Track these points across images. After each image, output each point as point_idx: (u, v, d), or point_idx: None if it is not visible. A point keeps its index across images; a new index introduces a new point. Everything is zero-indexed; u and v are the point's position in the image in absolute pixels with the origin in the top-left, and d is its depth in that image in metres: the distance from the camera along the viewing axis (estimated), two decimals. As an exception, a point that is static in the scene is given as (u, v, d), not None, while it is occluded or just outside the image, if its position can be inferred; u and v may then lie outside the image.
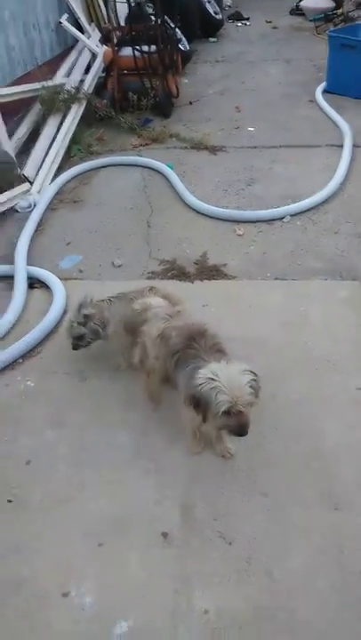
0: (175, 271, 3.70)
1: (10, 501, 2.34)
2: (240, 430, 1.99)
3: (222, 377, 1.95)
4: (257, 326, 3.15)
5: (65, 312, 3.30)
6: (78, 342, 2.82)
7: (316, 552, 2.11)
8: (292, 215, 4.17)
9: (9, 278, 3.60)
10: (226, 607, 1.97)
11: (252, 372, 2.02)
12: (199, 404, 1.99)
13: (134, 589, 2.04)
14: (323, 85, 6.43)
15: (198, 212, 4.27)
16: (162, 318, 2.40)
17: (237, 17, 10.16)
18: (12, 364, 2.99)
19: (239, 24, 9.95)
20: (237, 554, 2.12)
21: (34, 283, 3.58)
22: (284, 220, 4.14)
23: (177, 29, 6.37)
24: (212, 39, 8.83)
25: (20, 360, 3.03)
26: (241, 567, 2.08)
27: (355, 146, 5.06)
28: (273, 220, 4.14)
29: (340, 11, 8.85)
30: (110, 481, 2.40)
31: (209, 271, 3.68)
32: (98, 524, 2.24)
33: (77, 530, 2.23)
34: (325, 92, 6.37)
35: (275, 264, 3.70)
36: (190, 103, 6.28)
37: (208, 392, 1.94)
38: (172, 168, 4.79)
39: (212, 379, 1.95)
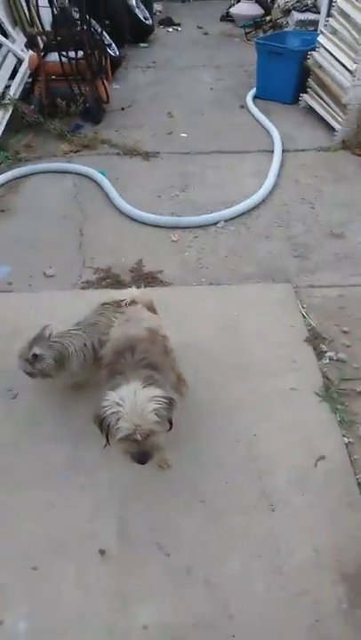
0: (110, 279, 3.65)
1: None
2: (139, 458, 1.93)
3: (127, 403, 1.87)
4: (193, 332, 3.16)
5: (-6, 327, 3.17)
6: (30, 376, 2.59)
7: (253, 555, 2.13)
8: (225, 220, 4.22)
9: None
10: (165, 621, 1.95)
11: (165, 398, 1.94)
12: (102, 426, 1.94)
13: (71, 611, 1.98)
14: (253, 91, 6.57)
15: (133, 219, 4.24)
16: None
17: (168, 22, 10.21)
18: None
19: (170, 29, 10.01)
20: (176, 565, 2.11)
21: None
22: (218, 225, 4.19)
23: (105, 34, 6.31)
24: (142, 44, 8.82)
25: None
26: (180, 578, 2.07)
27: (284, 151, 5.20)
28: (207, 225, 4.18)
29: (268, 18, 9.09)
30: (43, 500, 2.32)
31: (145, 278, 3.66)
32: (31, 547, 2.16)
33: (9, 554, 2.14)
34: (256, 97, 6.51)
35: (209, 269, 3.73)
36: (122, 109, 6.24)
37: (110, 417, 1.89)
38: (104, 175, 4.74)
39: (118, 403, 1.89)
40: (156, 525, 2.23)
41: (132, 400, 1.89)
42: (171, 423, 2.00)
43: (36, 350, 2.44)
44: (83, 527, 2.22)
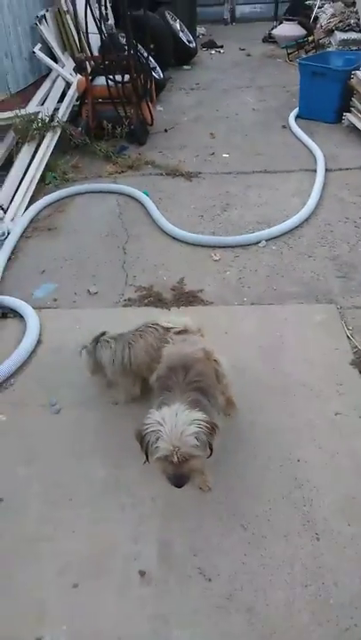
0: (152, 298, 3.68)
1: (-20, 543, 2.25)
2: (175, 481, 1.92)
3: (168, 423, 1.87)
4: (234, 353, 3.12)
5: (39, 342, 3.25)
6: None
7: (297, 585, 2.07)
8: (267, 240, 4.21)
9: (-18, 308, 3.55)
10: (205, 647, 1.90)
11: (206, 423, 1.92)
12: (142, 443, 1.94)
13: (110, 631, 1.96)
14: (295, 111, 6.59)
15: (174, 239, 4.29)
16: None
17: (211, 45, 10.42)
18: (-8, 392, 2.92)
19: (213, 52, 10.21)
20: (217, 590, 2.07)
21: (7, 312, 3.52)
22: (259, 244, 4.18)
23: (150, 58, 6.49)
24: (186, 67, 9.03)
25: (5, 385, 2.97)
26: (221, 604, 2.03)
27: (327, 170, 5.17)
28: (249, 244, 4.18)
29: (311, 38, 9.15)
30: (85, 518, 2.33)
31: (186, 297, 3.68)
32: (72, 564, 2.16)
33: (51, 570, 2.15)
34: (298, 117, 6.52)
35: (251, 289, 3.71)
36: (165, 130, 6.37)
37: (150, 435, 1.90)
38: (147, 195, 4.82)
39: (159, 422, 1.89)
40: (198, 549, 2.19)
41: (173, 421, 1.88)
42: (211, 449, 1.98)
43: (86, 346, 2.76)
44: (124, 547, 2.21)
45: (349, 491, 2.37)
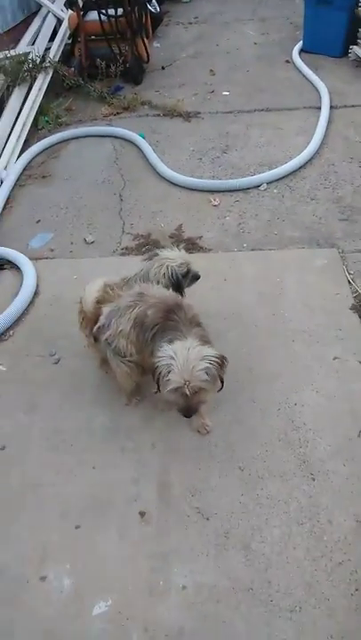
0: (150, 246, 3.61)
1: (-15, 488, 2.32)
2: (184, 412, 2.05)
3: (180, 358, 1.95)
4: (234, 299, 3.10)
5: (36, 293, 3.22)
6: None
7: (292, 523, 2.12)
8: (268, 183, 4.07)
9: (-23, 260, 3.51)
10: (204, 582, 1.98)
11: (216, 358, 2.00)
12: (154, 375, 2.03)
13: (112, 569, 2.04)
14: (299, 45, 6.21)
15: (172, 183, 4.16)
16: (129, 307, 2.28)
17: (211, -26, 9.72)
18: (-13, 346, 2.93)
19: (213, -18, 9.53)
20: (215, 529, 2.13)
21: (3, 264, 3.48)
22: (260, 188, 4.04)
23: (146, -11, 6.08)
24: (184, -1, 8.47)
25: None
26: (219, 542, 2.09)
27: (332, 107, 4.92)
28: (249, 188, 4.04)
29: None
30: (86, 462, 2.37)
31: (185, 244, 3.60)
32: (74, 507, 2.23)
33: (54, 513, 2.22)
34: (303, 51, 6.15)
35: (251, 234, 3.62)
36: (162, 68, 6.05)
37: (162, 368, 1.98)
38: (144, 137, 4.64)
39: (171, 357, 1.96)
40: (196, 489, 2.24)
41: (185, 356, 1.95)
42: (222, 382, 2.07)
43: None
44: (124, 489, 2.27)
45: (346, 432, 2.39)
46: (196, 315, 2.21)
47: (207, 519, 2.16)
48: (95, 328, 2.36)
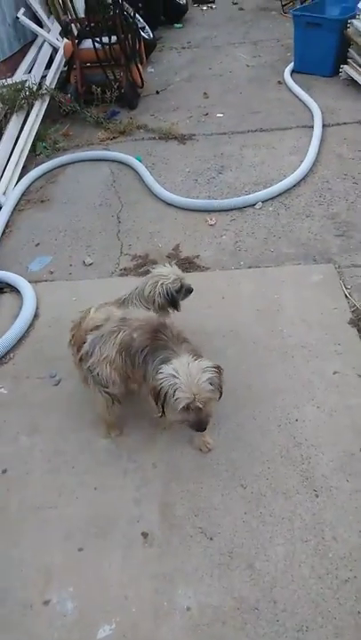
0: (148, 266, 3.64)
1: (-14, 512, 2.31)
2: (198, 426, 2.06)
3: (182, 374, 1.98)
4: (231, 317, 3.12)
5: (36, 315, 3.25)
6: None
7: (297, 540, 2.10)
8: (263, 201, 4.12)
9: (-22, 284, 3.54)
10: (209, 603, 1.96)
11: (214, 368, 2.05)
12: (159, 398, 2.03)
13: (116, 592, 2.02)
14: (291, 66, 6.35)
15: (169, 204, 4.22)
16: (113, 332, 2.29)
17: (203, 0, 9.99)
18: (-13, 370, 2.94)
19: (205, 7, 9.80)
20: (219, 548, 2.11)
21: (3, 287, 3.51)
22: (255, 206, 4.10)
23: (139, 17, 6.24)
24: (177, 25, 8.69)
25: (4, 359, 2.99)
26: (223, 561, 2.07)
27: (325, 125, 5.01)
28: (245, 207, 4.10)
29: (305, -12, 8.72)
30: (88, 484, 2.37)
31: (182, 264, 3.63)
32: (77, 529, 2.22)
33: (56, 536, 2.20)
34: (294, 72, 6.29)
35: (248, 252, 3.66)
36: (157, 92, 6.18)
37: (168, 388, 1.99)
38: (140, 160, 4.72)
39: (174, 375, 1.98)
40: (199, 509, 2.23)
41: (187, 371, 1.99)
42: (221, 391, 2.10)
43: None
44: (127, 510, 2.26)
45: (348, 447, 2.39)
46: (181, 331, 2.25)
47: (211, 539, 2.14)
48: (79, 355, 2.38)
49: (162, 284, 2.56)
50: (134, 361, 2.20)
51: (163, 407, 2.06)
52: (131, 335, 2.22)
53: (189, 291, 2.68)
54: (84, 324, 2.42)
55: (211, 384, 2.01)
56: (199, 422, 2.05)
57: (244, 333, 3.00)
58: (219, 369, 2.07)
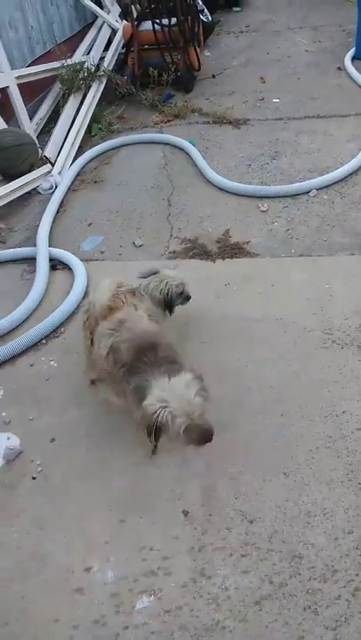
0: (197, 250, 3.64)
1: (34, 478, 2.39)
2: (206, 438, 1.99)
3: (172, 398, 1.94)
4: (280, 305, 3.09)
5: (86, 293, 3.31)
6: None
7: (339, 532, 2.08)
8: (318, 189, 4.03)
9: (32, 260, 3.63)
10: (246, 585, 1.97)
11: (195, 378, 2.02)
12: (153, 428, 1.97)
13: (155, 565, 2.05)
14: (352, 52, 6.14)
15: (221, 189, 4.19)
16: (107, 334, 2.31)
17: (263, -16, 9.76)
18: (35, 345, 3.02)
19: (264, -9, 9.57)
20: (259, 533, 2.11)
21: (56, 264, 3.59)
22: (310, 194, 4.01)
23: (199, 0, 6.17)
24: (235, 9, 8.53)
25: (44, 341, 3.06)
26: (262, 546, 2.07)
27: (385, 113, 4.84)
28: (298, 194, 4.02)
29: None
30: (132, 459, 2.41)
31: (231, 249, 3.61)
32: (118, 501, 2.26)
33: (98, 506, 2.26)
34: (355, 58, 6.07)
35: (300, 240, 3.60)
36: (213, 76, 6.11)
37: (162, 417, 1.93)
38: (193, 144, 4.70)
39: (164, 401, 1.94)
40: (240, 492, 2.24)
41: (175, 393, 1.95)
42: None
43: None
44: (168, 487, 2.29)
45: (396, 443, 2.33)
46: (169, 356, 2.17)
47: (251, 522, 2.14)
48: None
49: (167, 282, 2.71)
50: (118, 371, 2.22)
51: (156, 436, 2.01)
52: (119, 344, 2.23)
53: (188, 298, 2.83)
54: (93, 310, 2.47)
55: (201, 395, 1.98)
56: (205, 435, 1.99)
57: (293, 322, 2.96)
58: (199, 377, 2.03)
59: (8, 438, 2.54)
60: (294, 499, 2.20)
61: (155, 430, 1.98)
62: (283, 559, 2.02)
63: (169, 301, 2.72)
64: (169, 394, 1.96)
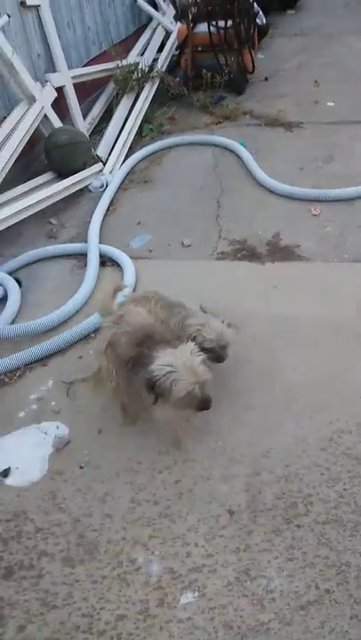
0: (246, 252, 3.64)
1: (81, 467, 2.43)
2: (205, 404, 2.12)
3: (179, 365, 2.04)
4: (331, 309, 3.05)
5: (134, 291, 3.35)
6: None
7: (388, 542, 2.03)
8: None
9: (82, 256, 3.70)
10: (292, 589, 1.95)
11: (198, 348, 2.16)
12: (154, 388, 2.08)
13: (201, 562, 2.06)
14: None
15: (271, 192, 4.16)
16: (106, 327, 2.42)
17: (317, -14, 9.66)
18: (85, 338, 3.08)
19: (319, -6, 9.47)
20: (306, 536, 2.09)
21: (106, 261, 3.65)
22: (365, 198, 3.94)
23: (254, 2, 6.17)
24: (290, 11, 8.50)
25: (93, 335, 3.11)
26: (309, 550, 2.05)
27: None
28: (352, 199, 3.96)
29: None
30: (175, 455, 2.42)
31: (281, 252, 3.59)
32: (164, 496, 2.28)
33: (144, 499, 2.28)
34: None
35: (353, 246, 3.54)
36: (265, 79, 6.09)
37: (164, 379, 2.04)
38: (244, 146, 4.69)
39: (169, 366, 2.05)
40: (286, 495, 2.22)
41: (181, 360, 2.06)
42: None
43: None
44: (213, 485, 2.29)
45: None
46: (165, 339, 2.25)
47: (298, 527, 2.12)
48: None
49: (198, 330, 2.38)
50: (124, 368, 2.29)
51: (157, 397, 2.10)
52: (119, 338, 2.31)
53: (218, 359, 2.43)
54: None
55: (205, 364, 2.09)
56: (205, 402, 2.10)
57: (344, 327, 2.92)
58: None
59: (57, 427, 2.60)
60: (343, 506, 2.16)
61: (152, 388, 2.08)
62: (330, 566, 1.99)
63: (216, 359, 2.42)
64: (177, 361, 2.06)
